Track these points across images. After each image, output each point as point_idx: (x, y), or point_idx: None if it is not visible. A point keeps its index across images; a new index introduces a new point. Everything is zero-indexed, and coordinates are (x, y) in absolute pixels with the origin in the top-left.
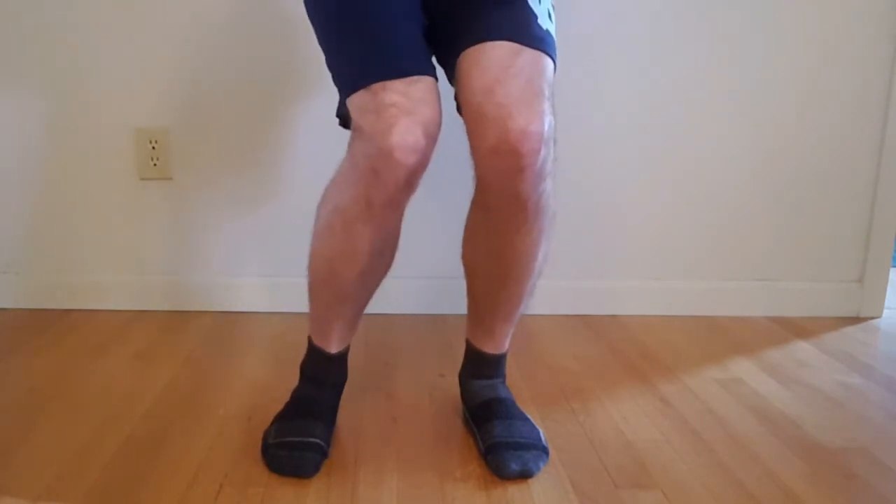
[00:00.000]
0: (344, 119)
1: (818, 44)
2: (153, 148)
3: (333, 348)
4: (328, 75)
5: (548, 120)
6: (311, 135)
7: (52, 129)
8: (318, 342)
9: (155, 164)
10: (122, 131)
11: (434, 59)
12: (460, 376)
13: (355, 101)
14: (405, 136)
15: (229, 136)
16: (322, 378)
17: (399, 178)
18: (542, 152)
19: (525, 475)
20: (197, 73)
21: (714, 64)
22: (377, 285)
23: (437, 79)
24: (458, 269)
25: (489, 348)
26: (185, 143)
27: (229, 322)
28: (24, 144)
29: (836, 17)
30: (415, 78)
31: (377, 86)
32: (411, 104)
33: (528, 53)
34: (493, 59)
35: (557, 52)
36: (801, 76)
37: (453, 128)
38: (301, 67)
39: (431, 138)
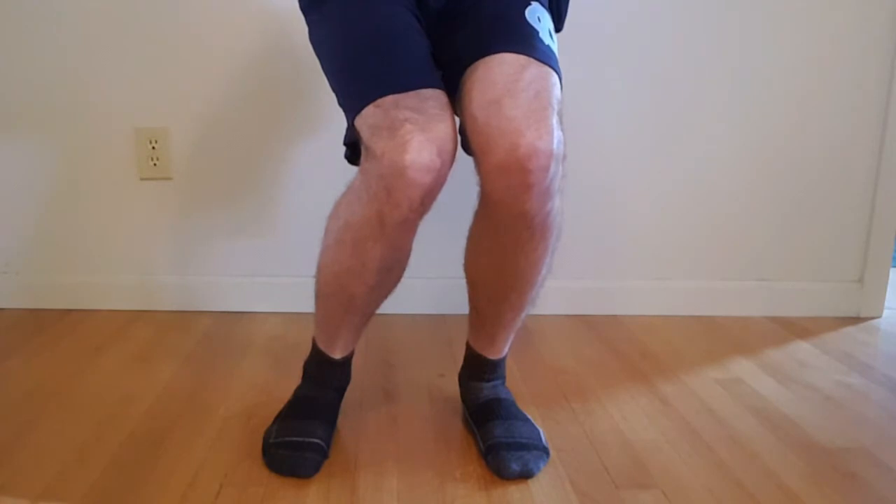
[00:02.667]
0: (351, 149)
1: (818, 44)
2: (153, 148)
3: (338, 354)
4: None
5: (557, 136)
6: (312, 135)
7: (51, 129)
8: (323, 347)
9: (155, 164)
10: (122, 131)
11: None
12: (460, 377)
13: (366, 120)
14: (420, 153)
15: (229, 136)
16: (325, 380)
17: (413, 197)
18: (551, 169)
19: (525, 475)
20: (197, 74)
21: (714, 64)
22: (385, 298)
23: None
24: (459, 270)
25: (490, 353)
26: (185, 143)
27: (229, 322)
28: (24, 144)
29: (837, 17)
30: (427, 92)
31: (388, 101)
32: (425, 120)
33: (536, 67)
34: (500, 72)
35: (561, 41)
36: (802, 77)
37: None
38: (302, 67)
39: (447, 157)
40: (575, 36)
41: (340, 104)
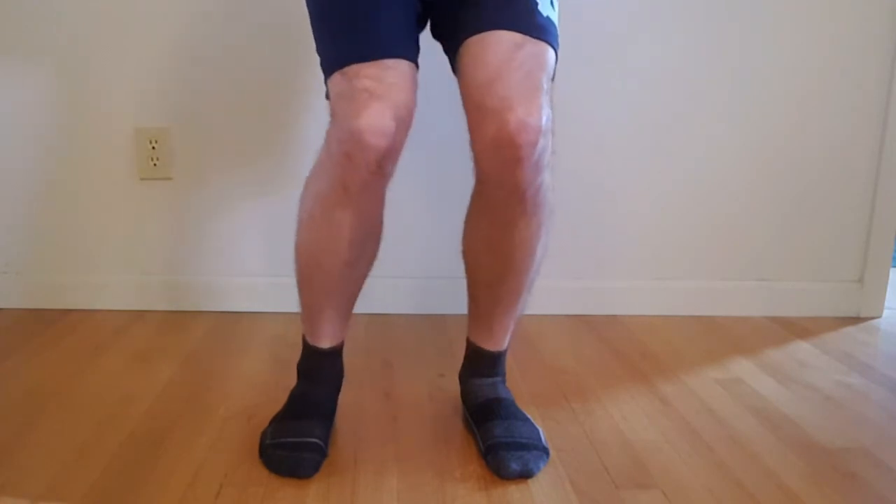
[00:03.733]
0: None
1: (818, 44)
2: (153, 148)
3: (325, 343)
4: None
5: (546, 113)
6: (311, 134)
7: (52, 128)
8: (310, 339)
9: (155, 164)
10: (122, 131)
11: (442, 48)
12: (460, 375)
13: (333, 87)
14: (375, 119)
15: (229, 136)
16: (317, 376)
17: (370, 161)
18: (540, 144)
19: (525, 475)
20: (197, 73)
21: (714, 64)
22: (363, 277)
23: (416, 64)
24: (458, 269)
25: (489, 345)
26: (185, 143)
27: (229, 322)
28: (24, 144)
29: (837, 17)
30: (390, 62)
31: (352, 70)
32: (383, 88)
33: (530, 45)
34: (494, 51)
35: (560, 40)
36: (802, 76)
37: (455, 128)
38: (302, 67)
39: (402, 123)
40: (576, 35)
41: (321, 67)
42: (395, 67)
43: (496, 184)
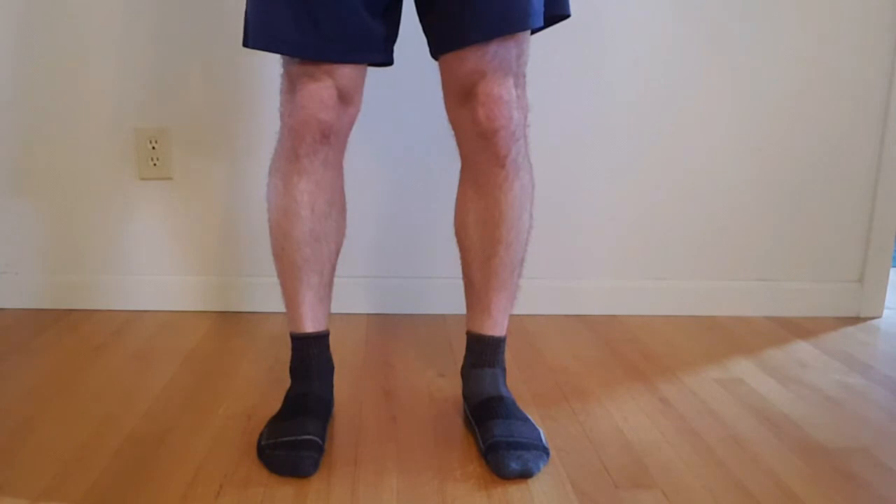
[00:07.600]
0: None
1: (818, 43)
2: (153, 148)
3: (308, 326)
4: None
5: (515, 93)
6: None
7: (51, 128)
8: (294, 328)
9: (155, 164)
10: (122, 131)
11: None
12: (462, 370)
13: (287, 66)
14: (320, 91)
15: (229, 136)
16: (308, 370)
17: (314, 132)
18: (515, 116)
19: (525, 475)
20: (197, 73)
21: (714, 63)
22: (332, 252)
23: (365, 62)
24: (457, 270)
25: (487, 328)
26: (185, 143)
27: (229, 322)
28: (24, 144)
29: (837, 16)
30: (345, 66)
31: (295, 60)
32: (333, 68)
33: (504, 47)
34: (469, 66)
35: (560, 40)
36: (802, 76)
37: (451, 133)
38: None
39: (346, 100)
40: (576, 34)
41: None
42: (347, 67)
43: (479, 156)
